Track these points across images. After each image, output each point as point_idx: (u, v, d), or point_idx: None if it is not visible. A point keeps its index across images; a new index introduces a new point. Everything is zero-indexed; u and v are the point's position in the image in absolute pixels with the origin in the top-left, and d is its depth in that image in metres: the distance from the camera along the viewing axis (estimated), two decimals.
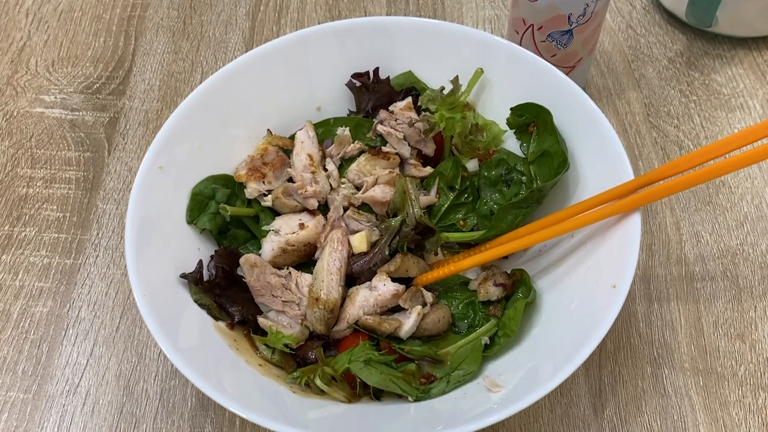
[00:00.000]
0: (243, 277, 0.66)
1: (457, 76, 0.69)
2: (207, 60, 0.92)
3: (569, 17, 0.73)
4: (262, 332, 0.64)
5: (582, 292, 0.61)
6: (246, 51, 0.82)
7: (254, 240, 0.70)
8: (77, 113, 0.88)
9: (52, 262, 0.76)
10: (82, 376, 0.69)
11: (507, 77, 0.71)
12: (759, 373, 0.68)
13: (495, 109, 0.72)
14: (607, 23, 0.93)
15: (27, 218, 0.79)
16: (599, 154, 0.64)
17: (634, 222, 0.59)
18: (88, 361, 0.70)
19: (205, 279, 0.64)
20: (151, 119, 0.87)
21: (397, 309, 0.65)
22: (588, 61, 0.82)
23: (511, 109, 0.68)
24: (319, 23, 0.93)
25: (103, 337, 0.71)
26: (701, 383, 0.67)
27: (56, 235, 0.78)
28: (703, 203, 0.78)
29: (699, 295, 0.72)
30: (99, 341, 0.71)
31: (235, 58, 0.74)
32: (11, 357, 0.70)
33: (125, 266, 0.75)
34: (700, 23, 0.87)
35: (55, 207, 0.80)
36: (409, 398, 0.60)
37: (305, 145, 0.71)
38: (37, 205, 0.80)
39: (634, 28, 0.93)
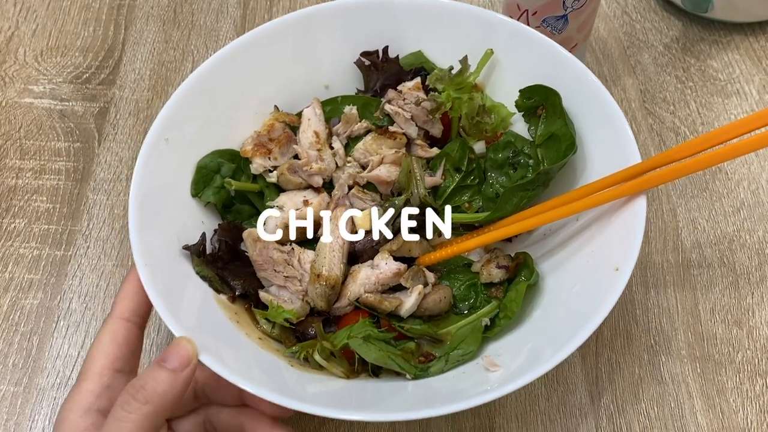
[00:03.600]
0: (246, 251, 0.66)
1: (466, 56, 0.68)
2: (198, 49, 0.91)
3: (564, 2, 0.73)
4: (263, 306, 0.64)
5: (584, 276, 0.60)
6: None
7: (258, 215, 0.69)
8: (67, 103, 0.86)
9: (42, 253, 0.75)
10: (73, 368, 0.68)
11: (517, 59, 0.70)
12: (756, 360, 0.67)
13: (504, 91, 0.71)
14: (603, 9, 0.92)
15: (16, 210, 0.78)
16: (607, 137, 0.64)
17: (640, 205, 0.58)
18: (79, 353, 0.69)
19: (207, 252, 0.64)
20: (141, 109, 0.86)
21: (398, 288, 0.65)
22: (583, 48, 0.81)
23: (519, 91, 0.68)
24: None
25: (95, 329, 0.71)
26: (698, 370, 0.67)
27: (46, 226, 0.77)
28: (699, 189, 0.78)
29: (696, 281, 0.72)
30: (90, 333, 0.70)
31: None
32: (1, 350, 0.69)
33: (116, 256, 0.75)
34: (696, 8, 0.87)
35: (44, 198, 0.79)
36: (408, 376, 0.59)
37: (312, 123, 0.70)
38: (26, 197, 0.79)
39: (630, 14, 0.92)
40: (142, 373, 0.51)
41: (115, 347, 0.54)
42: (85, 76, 0.89)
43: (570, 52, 0.78)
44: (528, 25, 0.76)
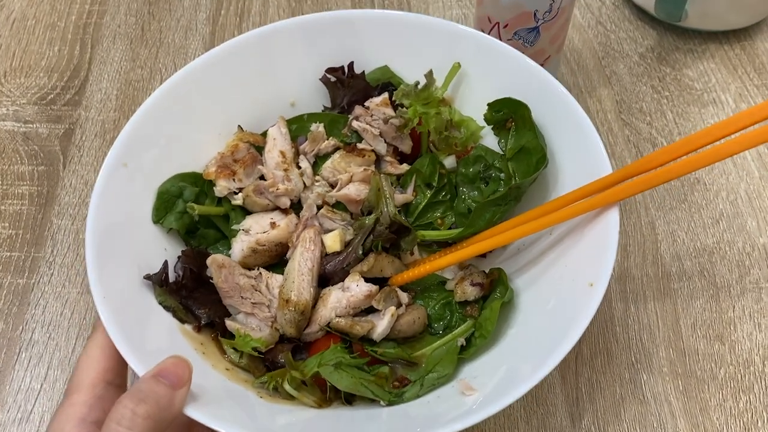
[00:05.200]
0: (211, 278, 0.63)
1: (431, 70, 0.67)
2: (166, 67, 0.89)
3: (535, 14, 0.71)
4: (231, 335, 0.61)
5: (559, 291, 0.59)
6: None
7: (224, 240, 0.68)
8: (31, 125, 0.84)
9: (4, 282, 0.73)
10: (35, 403, 0.66)
11: (485, 71, 0.69)
12: (739, 376, 0.66)
13: (473, 104, 0.70)
14: (576, 20, 0.92)
15: None
16: (578, 149, 0.63)
17: (612, 217, 0.57)
18: (41, 386, 0.67)
19: (171, 280, 0.62)
20: (108, 130, 0.84)
21: (370, 310, 0.63)
22: (556, 59, 0.80)
23: (488, 104, 0.66)
24: None
25: (58, 360, 0.68)
26: (681, 387, 0.65)
27: (8, 253, 0.75)
28: (678, 201, 0.77)
29: (676, 296, 0.71)
30: (54, 364, 0.68)
31: None
32: None
33: (81, 283, 0.72)
34: (670, 17, 0.86)
35: (6, 224, 0.77)
36: (381, 402, 0.58)
37: (277, 142, 0.68)
38: None
39: (604, 24, 0.91)
40: (135, 385, 0.49)
41: (105, 358, 0.52)
42: (49, 97, 0.86)
43: (543, 64, 0.77)
44: (499, 38, 0.74)
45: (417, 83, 0.68)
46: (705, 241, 0.74)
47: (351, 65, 0.72)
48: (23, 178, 0.80)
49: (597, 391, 0.65)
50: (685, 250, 0.73)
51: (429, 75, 0.67)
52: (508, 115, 0.67)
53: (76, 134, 0.83)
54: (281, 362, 0.61)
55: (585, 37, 0.90)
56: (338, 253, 0.64)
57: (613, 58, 0.88)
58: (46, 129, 0.84)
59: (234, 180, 0.67)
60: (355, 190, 0.67)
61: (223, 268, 0.62)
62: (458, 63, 0.70)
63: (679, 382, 0.66)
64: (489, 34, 0.75)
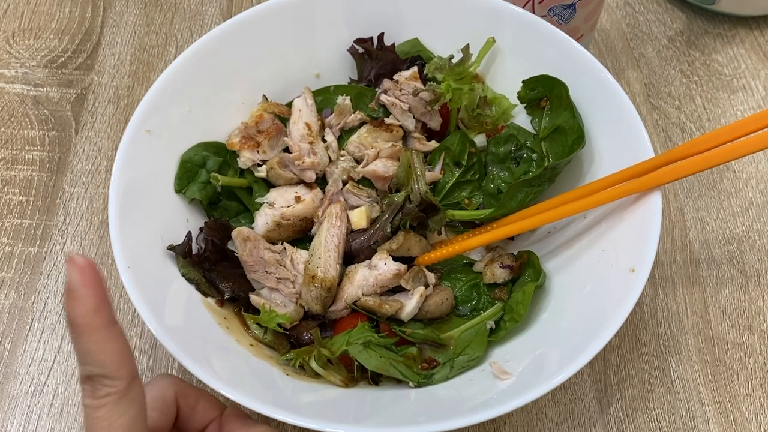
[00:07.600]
0: (234, 251, 0.62)
1: (468, 44, 0.65)
2: (182, 33, 0.86)
3: None
4: (254, 311, 0.60)
5: (596, 276, 0.58)
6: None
7: (246, 213, 0.66)
8: (41, 89, 0.81)
9: (15, 250, 0.70)
10: (49, 375, 0.64)
11: (519, 48, 0.67)
12: None
13: (506, 81, 0.68)
14: (606, 0, 0.89)
15: None
16: (617, 131, 0.61)
17: (655, 201, 0.55)
18: (55, 357, 0.65)
19: (194, 252, 0.60)
20: (121, 96, 0.81)
21: (397, 289, 0.61)
22: (589, 38, 0.78)
23: (523, 81, 0.64)
24: None
25: None
26: (710, 376, 0.64)
27: (19, 221, 0.72)
28: (707, 188, 0.75)
29: (705, 283, 0.69)
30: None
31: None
32: None
33: (95, 254, 0.70)
34: (703, 0, 0.84)
35: (17, 190, 0.74)
36: (410, 384, 0.56)
37: (303, 114, 0.66)
38: None
39: (633, 6, 0.89)
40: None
41: None
42: (60, 60, 0.83)
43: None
44: (534, 13, 0.72)
45: (451, 57, 0.66)
46: (734, 229, 0.73)
47: (381, 36, 0.70)
48: (34, 143, 0.77)
49: (625, 377, 0.64)
50: (714, 237, 0.72)
51: (465, 49, 0.65)
52: (543, 93, 0.65)
53: (89, 99, 0.80)
54: (306, 339, 0.59)
55: (613, 18, 0.88)
56: (364, 230, 0.63)
57: (642, 41, 0.86)
58: (57, 93, 0.81)
59: (258, 152, 0.65)
60: (383, 167, 0.65)
61: (248, 241, 0.61)
62: (492, 38, 0.68)
63: (708, 371, 0.65)
64: (523, 9, 0.72)
